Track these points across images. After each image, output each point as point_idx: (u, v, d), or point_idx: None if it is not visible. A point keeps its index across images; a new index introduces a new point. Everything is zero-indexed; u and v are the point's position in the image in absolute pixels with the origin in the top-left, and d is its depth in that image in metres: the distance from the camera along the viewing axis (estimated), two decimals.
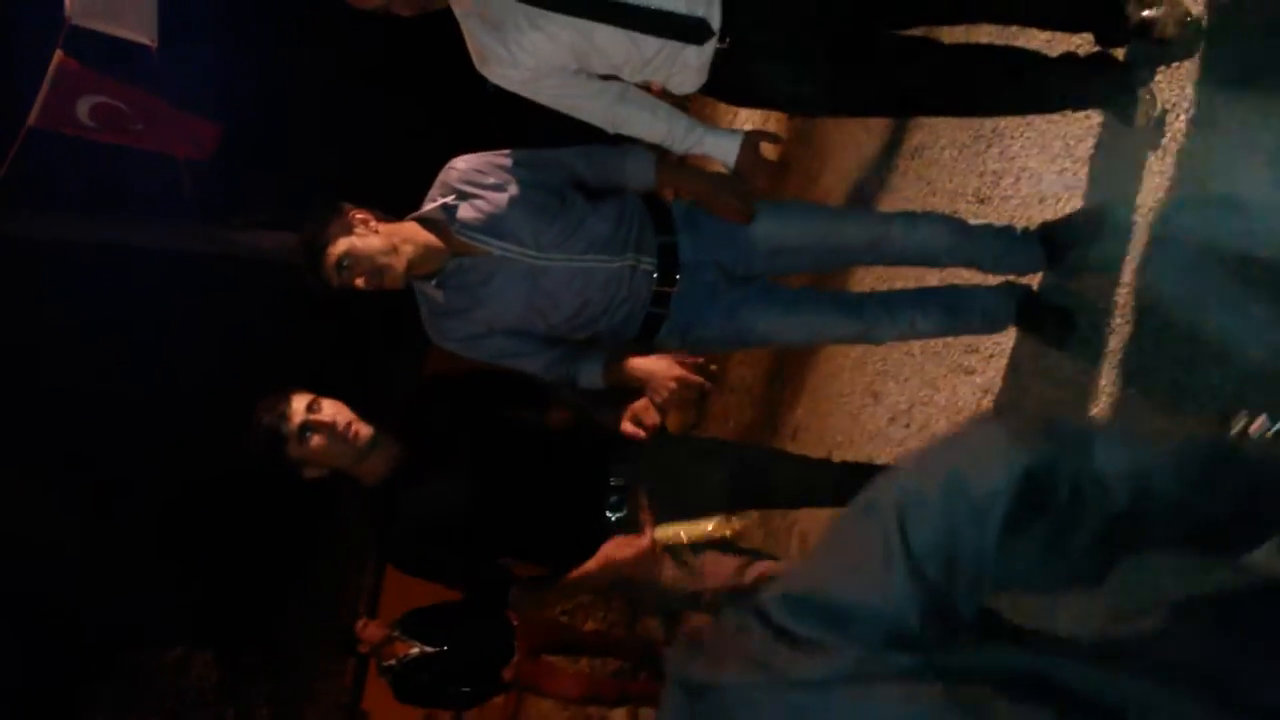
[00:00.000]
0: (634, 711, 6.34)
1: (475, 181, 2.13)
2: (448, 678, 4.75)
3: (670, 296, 2.20)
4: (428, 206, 2.15)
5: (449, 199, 2.12)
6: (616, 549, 2.02)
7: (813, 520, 3.84)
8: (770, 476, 2.32)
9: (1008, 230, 2.34)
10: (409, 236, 2.10)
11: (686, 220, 2.22)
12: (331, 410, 2.11)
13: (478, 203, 2.12)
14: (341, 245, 2.04)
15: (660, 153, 2.17)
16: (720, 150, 2.06)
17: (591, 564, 2.04)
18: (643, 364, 2.09)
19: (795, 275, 2.60)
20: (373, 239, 2.05)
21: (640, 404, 2.03)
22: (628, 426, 2.04)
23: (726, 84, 2.05)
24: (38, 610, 8.31)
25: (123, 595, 8.90)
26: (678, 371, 2.04)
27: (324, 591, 10.51)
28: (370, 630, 4.82)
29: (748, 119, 6.38)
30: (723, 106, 6.10)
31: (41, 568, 8.11)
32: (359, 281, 2.05)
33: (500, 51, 1.95)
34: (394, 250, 2.06)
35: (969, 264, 2.35)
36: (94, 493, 8.45)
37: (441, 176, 2.18)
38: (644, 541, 1.98)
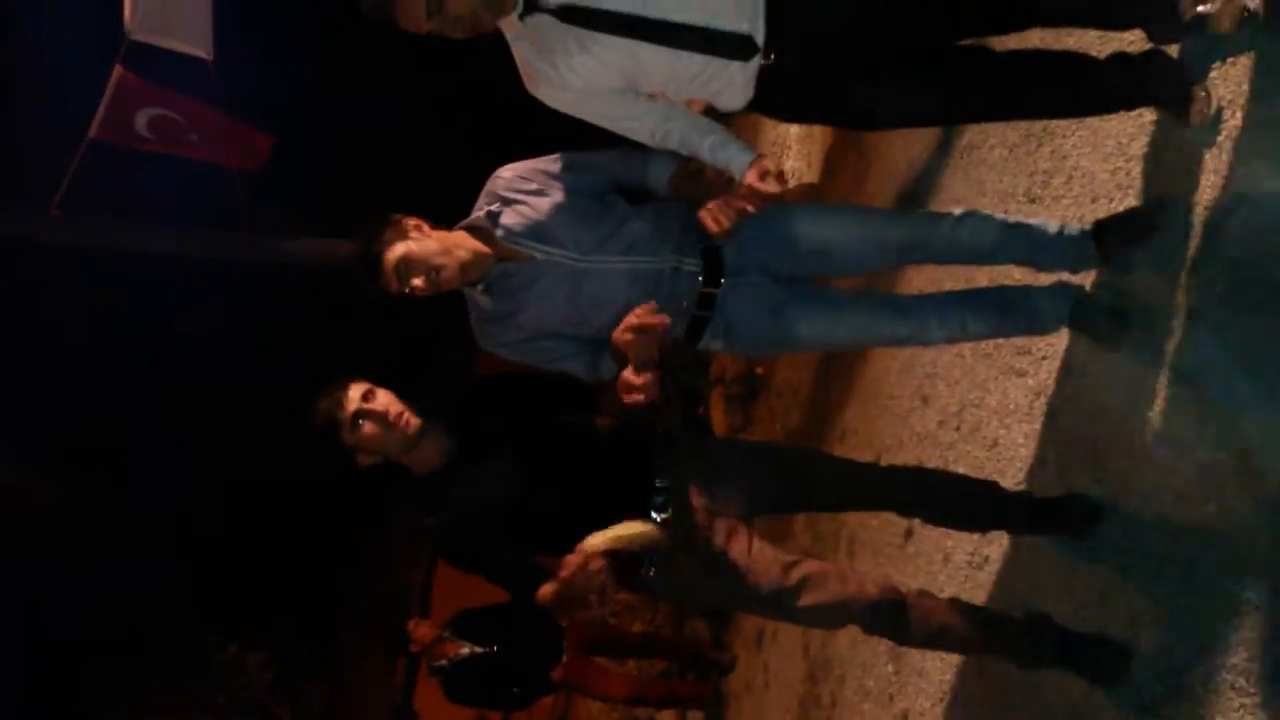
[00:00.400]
0: (681, 714, 6.35)
1: (519, 188, 2.21)
2: (497, 678, 4.80)
3: (715, 299, 2.22)
4: (474, 215, 2.23)
5: (494, 206, 2.21)
6: (561, 568, 1.96)
7: (861, 524, 3.82)
8: (818, 479, 2.31)
9: (1059, 228, 2.31)
10: (459, 241, 2.19)
11: None
12: (384, 400, 2.19)
13: (521, 208, 2.19)
14: (399, 250, 2.13)
15: (680, 158, 2.19)
16: (733, 167, 2.08)
17: (545, 588, 1.99)
18: (615, 333, 2.07)
19: (844, 278, 2.59)
20: (428, 242, 2.15)
21: (625, 371, 2.02)
22: (625, 398, 2.01)
23: (772, 99, 2.06)
24: (91, 608, 8.50)
25: (176, 594, 9.08)
26: (631, 321, 2.00)
27: (376, 592, 10.66)
28: (422, 630, 4.89)
29: (795, 130, 6.37)
30: (768, 119, 6.06)
31: (95, 567, 8.30)
32: (417, 283, 2.14)
33: (550, 74, 2.00)
34: (448, 252, 2.15)
35: (1019, 262, 2.33)
36: (147, 495, 8.64)
37: (488, 185, 2.27)
38: (576, 557, 1.94)
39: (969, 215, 2.28)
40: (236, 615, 10.05)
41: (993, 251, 2.28)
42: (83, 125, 5.51)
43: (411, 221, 2.17)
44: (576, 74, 1.98)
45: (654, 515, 2.18)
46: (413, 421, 2.19)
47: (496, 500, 2.19)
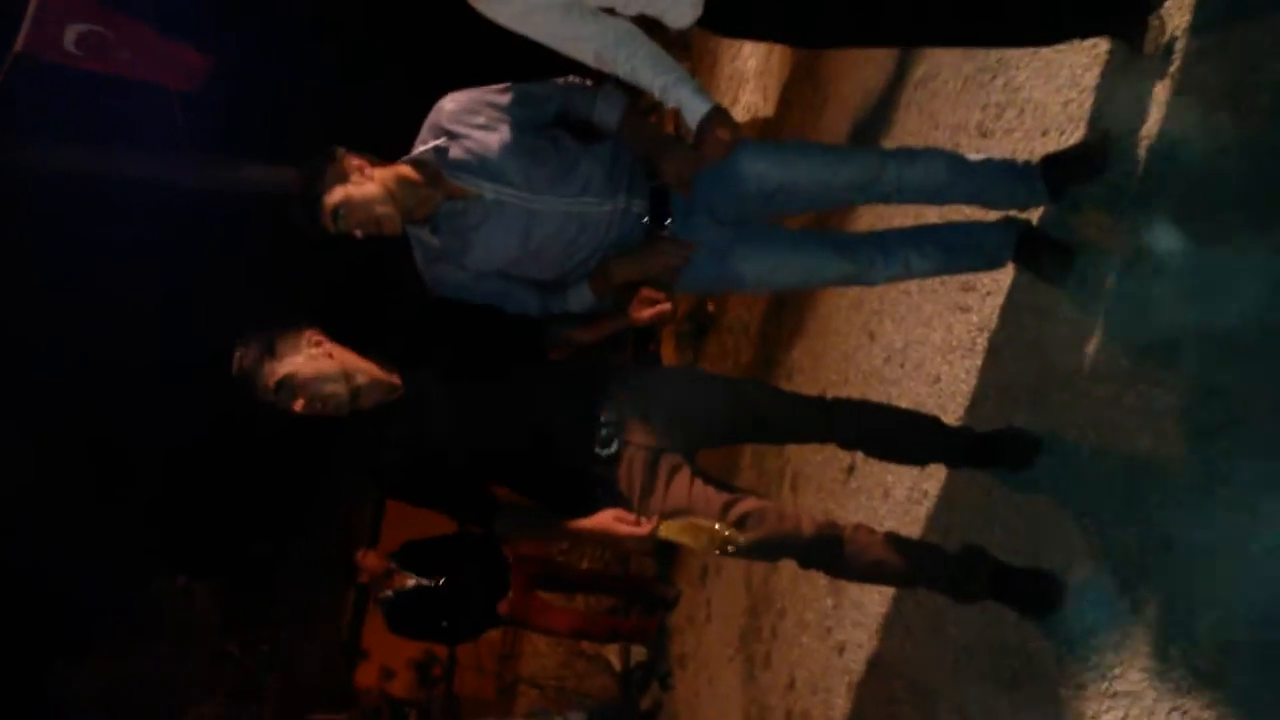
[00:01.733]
0: (625, 647, 6.42)
1: (466, 122, 2.12)
2: (442, 610, 4.79)
3: None
4: (419, 149, 2.13)
5: (440, 140, 2.11)
6: (616, 524, 2.03)
7: (804, 460, 3.83)
8: (763, 412, 2.29)
9: (1008, 164, 2.28)
10: (404, 181, 2.08)
11: None
12: (309, 373, 2.03)
13: (468, 143, 2.11)
14: (337, 194, 2.03)
15: (633, 99, 2.12)
16: (687, 114, 2.00)
17: (588, 525, 2.04)
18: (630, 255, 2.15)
19: (792, 216, 2.55)
20: (369, 186, 2.04)
21: (644, 288, 2.12)
22: (644, 311, 2.16)
23: (723, 16, 1.99)
24: (45, 544, 8.38)
25: (128, 530, 8.97)
26: (660, 245, 2.14)
27: (325, 527, 10.61)
28: (370, 560, 4.85)
29: (752, 51, 6.26)
30: (725, 53, 5.94)
31: (49, 502, 8.16)
32: (356, 230, 2.05)
33: None
34: (390, 197, 2.05)
35: (968, 201, 2.30)
36: (96, 432, 8.47)
37: (431, 118, 2.16)
38: (643, 530, 2.01)
39: (919, 155, 2.24)
40: (186, 551, 9.97)
41: (942, 191, 2.25)
42: (7, 40, 5.25)
43: (354, 161, 2.05)
44: None
45: (599, 450, 2.15)
46: (340, 392, 2.04)
47: (441, 432, 2.13)
